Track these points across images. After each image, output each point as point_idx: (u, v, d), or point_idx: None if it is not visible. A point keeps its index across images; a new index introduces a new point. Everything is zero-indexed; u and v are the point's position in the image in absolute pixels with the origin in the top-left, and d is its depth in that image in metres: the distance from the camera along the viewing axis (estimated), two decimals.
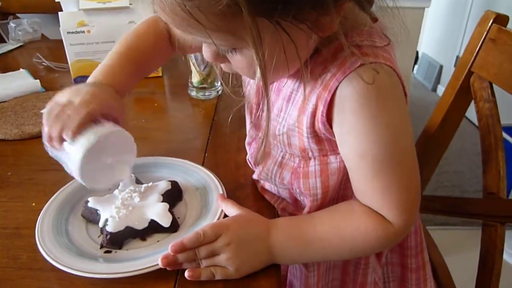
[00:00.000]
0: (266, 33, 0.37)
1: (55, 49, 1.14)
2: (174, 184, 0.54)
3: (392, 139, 0.45)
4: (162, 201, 0.51)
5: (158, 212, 0.49)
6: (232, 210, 0.50)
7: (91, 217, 0.51)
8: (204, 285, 0.44)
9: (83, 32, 0.91)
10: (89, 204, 0.51)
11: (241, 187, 0.58)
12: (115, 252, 0.47)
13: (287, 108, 0.50)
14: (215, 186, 0.55)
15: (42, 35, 1.31)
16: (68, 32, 0.91)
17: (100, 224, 0.49)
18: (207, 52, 0.44)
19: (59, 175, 0.62)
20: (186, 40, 0.42)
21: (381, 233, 0.47)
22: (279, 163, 0.54)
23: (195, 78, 0.86)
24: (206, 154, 0.66)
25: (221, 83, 0.88)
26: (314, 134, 0.48)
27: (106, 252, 0.47)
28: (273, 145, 0.55)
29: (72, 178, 0.57)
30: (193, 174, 0.58)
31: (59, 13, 0.91)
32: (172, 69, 1.03)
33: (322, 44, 0.45)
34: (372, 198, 0.48)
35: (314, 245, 0.49)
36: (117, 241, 0.47)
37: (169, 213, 0.49)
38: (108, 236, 0.47)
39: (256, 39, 0.37)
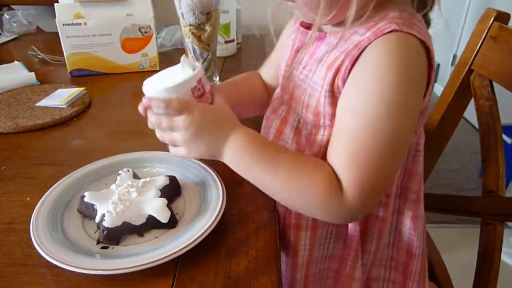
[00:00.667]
0: None
1: (51, 41, 1.12)
2: (173, 179, 0.53)
3: (390, 113, 0.44)
4: (160, 196, 0.50)
5: (156, 207, 0.48)
6: (217, 98, 0.52)
7: (87, 212, 0.50)
8: (203, 283, 0.43)
9: (80, 24, 0.90)
10: (85, 199, 0.50)
11: (241, 184, 0.57)
12: (112, 248, 0.46)
13: (316, 68, 0.51)
14: (214, 181, 0.54)
15: (37, 27, 1.29)
16: (64, 24, 0.90)
17: (97, 220, 0.48)
18: None
19: (54, 170, 0.61)
20: None
21: (329, 195, 0.45)
22: (295, 128, 0.55)
23: None
24: None
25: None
26: (332, 94, 0.48)
27: (102, 248, 0.46)
28: (293, 109, 0.56)
29: (67, 172, 0.57)
30: (192, 170, 0.57)
31: (55, 4, 0.89)
32: (170, 63, 1.01)
33: (368, 15, 0.46)
34: (340, 157, 0.46)
35: (262, 167, 0.47)
36: (114, 236, 0.46)
37: (167, 209, 0.48)
38: (105, 232, 0.45)
39: None
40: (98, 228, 0.48)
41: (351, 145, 0.45)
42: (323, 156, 0.50)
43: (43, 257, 0.43)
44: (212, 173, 0.55)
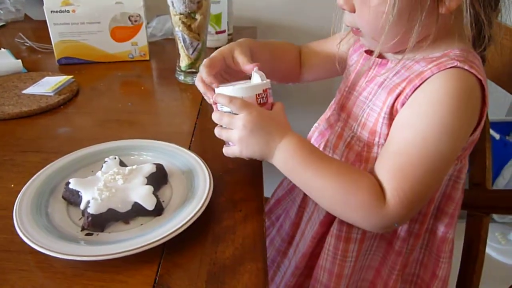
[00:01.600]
0: None
1: (39, 29, 1.11)
2: (159, 167, 0.53)
3: (442, 135, 0.47)
4: (147, 184, 0.49)
5: (142, 194, 0.48)
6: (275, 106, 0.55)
7: (72, 199, 0.49)
8: (188, 270, 0.43)
9: (68, 11, 0.88)
10: (70, 186, 0.49)
11: (229, 172, 0.57)
12: (97, 234, 0.45)
13: (376, 92, 0.56)
14: (201, 170, 0.53)
15: (25, 15, 1.27)
16: (52, 11, 0.88)
17: (82, 206, 0.47)
18: None
19: (40, 157, 0.60)
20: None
21: (372, 201, 0.47)
22: (347, 143, 0.59)
23: (183, 62, 0.84)
24: (193, 139, 0.65)
25: None
26: (390, 116, 0.53)
27: (87, 234, 0.45)
28: (348, 126, 0.60)
29: (53, 160, 0.56)
30: (179, 158, 0.56)
31: None
32: (160, 53, 1.01)
33: (428, 47, 0.51)
34: (387, 168, 0.48)
35: (309, 171, 0.50)
36: (99, 223, 0.46)
37: (153, 196, 0.48)
38: (90, 218, 0.45)
39: None
40: (83, 215, 0.47)
41: (401, 158, 0.48)
42: (371, 173, 0.51)
43: (26, 243, 0.43)
44: (200, 161, 0.55)
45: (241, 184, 0.55)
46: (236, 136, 0.51)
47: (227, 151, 0.55)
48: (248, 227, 0.48)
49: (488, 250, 1.53)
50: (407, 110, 0.50)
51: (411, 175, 0.47)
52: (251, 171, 0.57)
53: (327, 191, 0.49)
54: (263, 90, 0.54)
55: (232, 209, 0.51)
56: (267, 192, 0.67)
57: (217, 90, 0.55)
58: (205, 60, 0.60)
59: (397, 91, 0.52)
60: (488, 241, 1.37)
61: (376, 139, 0.55)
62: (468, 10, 0.48)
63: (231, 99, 0.52)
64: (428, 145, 0.47)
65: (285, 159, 0.51)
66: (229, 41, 1.11)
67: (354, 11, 0.53)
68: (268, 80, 0.55)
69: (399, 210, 0.47)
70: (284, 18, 1.29)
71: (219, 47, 1.06)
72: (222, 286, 0.41)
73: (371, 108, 0.56)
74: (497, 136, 1.59)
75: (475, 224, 0.73)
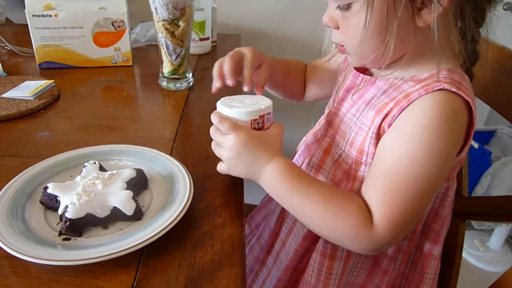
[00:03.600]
0: None
1: (20, 33, 1.09)
2: (140, 172, 0.53)
3: (429, 157, 0.47)
4: (126, 189, 0.49)
5: (121, 199, 0.47)
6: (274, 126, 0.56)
7: (50, 203, 0.49)
8: (167, 275, 0.42)
9: (50, 16, 0.88)
10: (49, 190, 0.49)
11: (209, 178, 0.57)
12: (75, 239, 0.45)
13: (364, 110, 0.56)
14: (181, 175, 0.53)
15: (7, 19, 1.26)
16: (34, 15, 0.87)
17: (60, 211, 0.47)
18: (327, 16, 0.54)
19: (18, 161, 0.59)
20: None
21: (360, 225, 0.47)
22: (335, 160, 0.59)
23: (166, 68, 0.84)
24: (174, 144, 0.65)
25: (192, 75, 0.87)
26: (377, 136, 0.53)
27: (65, 239, 0.45)
28: (336, 143, 0.60)
29: (32, 164, 0.55)
30: (160, 163, 0.56)
31: None
32: (143, 59, 1.01)
33: (419, 67, 0.52)
34: (375, 190, 0.48)
35: (297, 195, 0.50)
36: (77, 228, 0.45)
37: (132, 201, 0.48)
38: (67, 223, 0.45)
39: None
40: (61, 219, 0.47)
41: (389, 180, 0.48)
42: (358, 191, 0.52)
43: (1, 247, 0.42)
44: (180, 166, 0.55)
45: (221, 189, 0.56)
46: (224, 155, 0.53)
47: (219, 167, 0.56)
48: (227, 232, 0.48)
49: (467, 257, 1.56)
50: (394, 132, 0.51)
51: (399, 197, 0.47)
52: (231, 177, 0.57)
53: (316, 216, 0.49)
54: (259, 116, 0.54)
55: (212, 214, 0.51)
56: (248, 199, 0.67)
57: (217, 107, 0.56)
58: (237, 52, 0.63)
59: (385, 111, 0.52)
60: (467, 248, 1.40)
61: (364, 157, 0.55)
62: (455, 26, 0.48)
63: (221, 120, 0.53)
64: (416, 168, 0.47)
65: (272, 184, 0.51)
66: (213, 48, 1.12)
67: (338, 28, 0.54)
68: (268, 105, 0.55)
69: (388, 232, 0.47)
70: (267, 26, 1.31)
71: (203, 54, 1.07)
72: None
73: (358, 127, 0.56)
74: (475, 145, 1.63)
75: (451, 230, 0.74)
